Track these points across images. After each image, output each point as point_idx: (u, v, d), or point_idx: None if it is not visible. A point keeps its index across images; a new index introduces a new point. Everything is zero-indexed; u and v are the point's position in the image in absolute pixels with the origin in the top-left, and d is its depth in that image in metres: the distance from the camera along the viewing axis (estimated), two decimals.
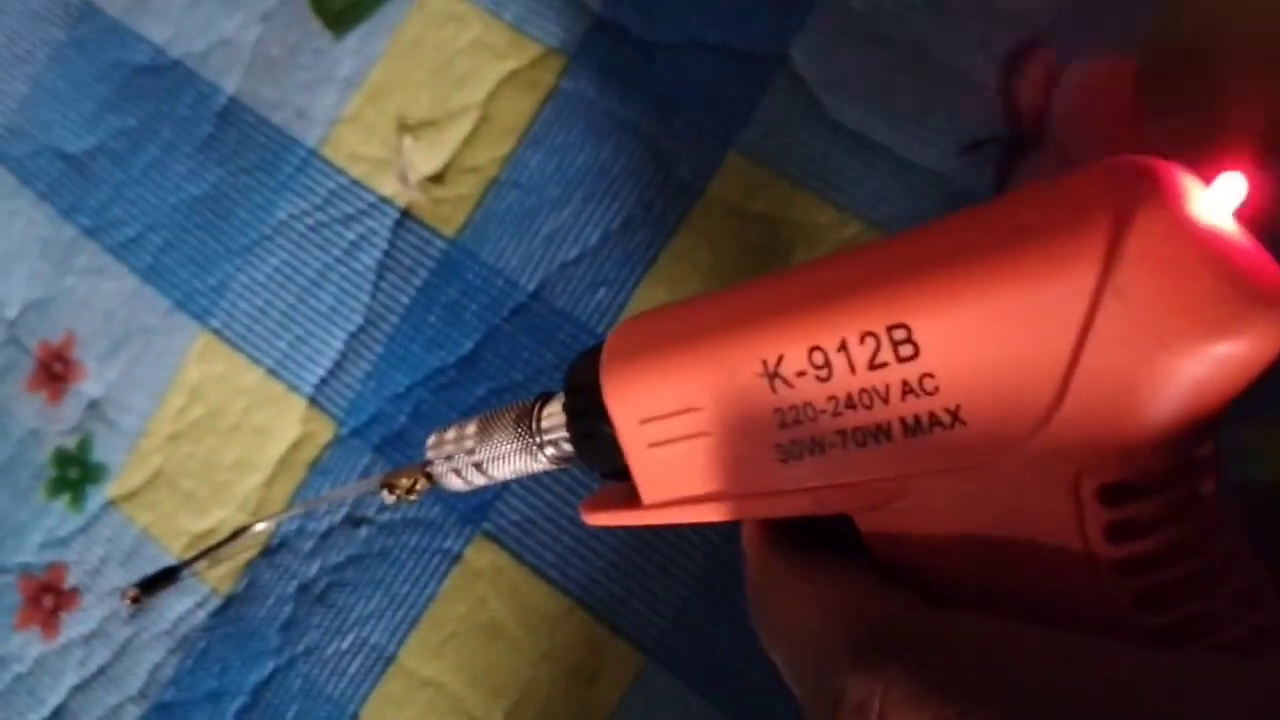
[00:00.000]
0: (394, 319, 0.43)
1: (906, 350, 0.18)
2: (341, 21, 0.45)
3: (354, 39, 0.45)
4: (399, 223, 0.43)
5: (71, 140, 0.49)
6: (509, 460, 0.26)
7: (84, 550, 0.46)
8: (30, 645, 0.46)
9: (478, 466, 0.27)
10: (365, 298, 0.44)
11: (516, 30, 0.43)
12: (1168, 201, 0.17)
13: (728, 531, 0.38)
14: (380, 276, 0.43)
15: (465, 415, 0.30)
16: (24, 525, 0.47)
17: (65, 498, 0.46)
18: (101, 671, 0.45)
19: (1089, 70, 0.37)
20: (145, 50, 0.49)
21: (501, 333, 0.42)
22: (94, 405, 0.47)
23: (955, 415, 0.18)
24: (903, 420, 0.18)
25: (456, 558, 0.41)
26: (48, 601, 0.46)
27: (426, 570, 0.41)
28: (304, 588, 0.43)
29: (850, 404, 0.19)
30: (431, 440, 0.28)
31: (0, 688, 0.46)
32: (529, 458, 0.26)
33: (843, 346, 0.19)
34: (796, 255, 0.39)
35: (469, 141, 0.43)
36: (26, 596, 0.47)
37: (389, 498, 0.29)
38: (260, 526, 0.33)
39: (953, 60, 0.38)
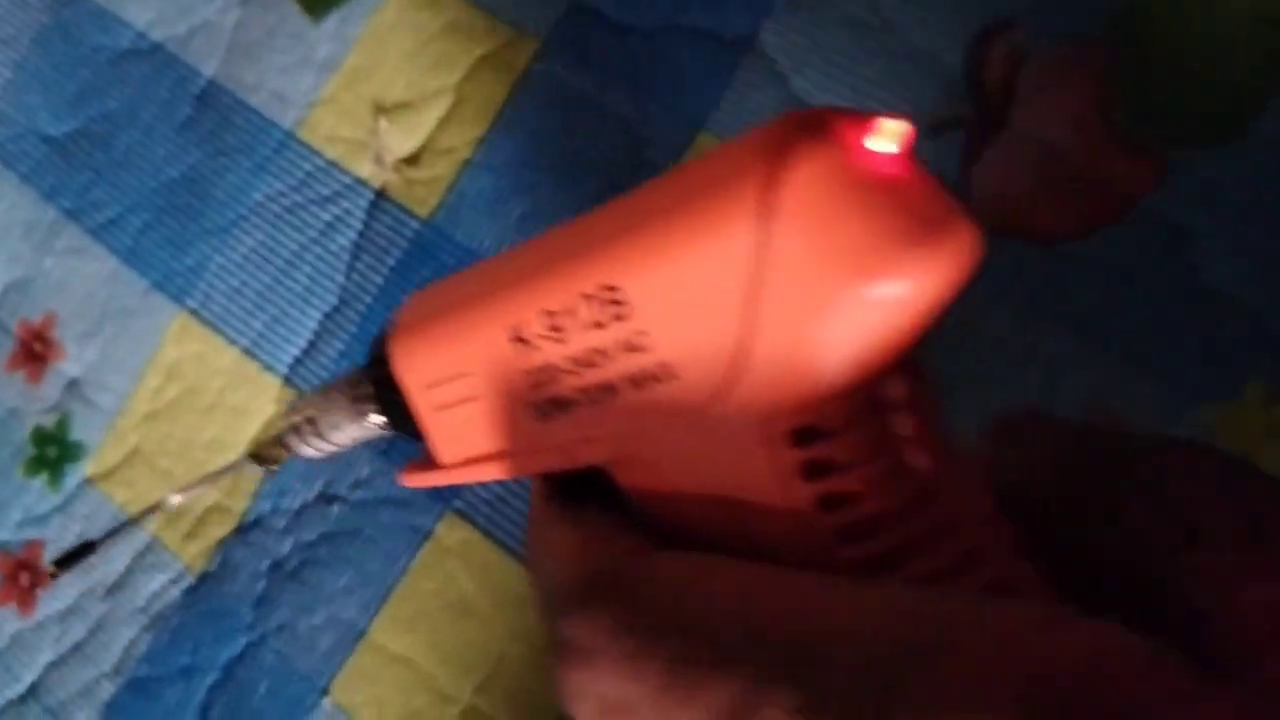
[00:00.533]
0: (368, 299, 0.43)
1: (621, 310, 0.19)
2: (319, 6, 0.46)
3: (331, 23, 0.45)
4: (374, 204, 0.44)
5: (54, 123, 0.49)
6: (343, 428, 0.27)
7: (61, 528, 0.46)
8: (7, 622, 0.47)
9: (319, 434, 0.27)
10: (340, 278, 0.44)
11: (491, 14, 0.43)
12: (818, 151, 0.17)
13: None
14: (355, 257, 0.44)
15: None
16: (2, 503, 0.47)
17: (44, 476, 0.47)
18: (77, 648, 0.45)
19: (1055, 54, 0.37)
20: (127, 34, 0.49)
21: None
22: (73, 385, 0.47)
23: (669, 370, 0.19)
24: (627, 376, 0.19)
25: (427, 535, 0.41)
26: (24, 579, 0.46)
27: (398, 547, 0.42)
28: (277, 565, 0.43)
29: (583, 363, 0.20)
30: (285, 408, 0.29)
31: None
32: (360, 423, 0.26)
33: (569, 309, 0.19)
34: None
35: (444, 124, 0.44)
36: (3, 574, 0.47)
37: (257, 470, 0.30)
38: (175, 500, 0.33)
39: (921, 42, 0.38)
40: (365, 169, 0.44)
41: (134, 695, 0.44)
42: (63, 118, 0.49)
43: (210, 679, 0.43)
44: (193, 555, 0.44)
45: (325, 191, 0.45)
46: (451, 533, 0.41)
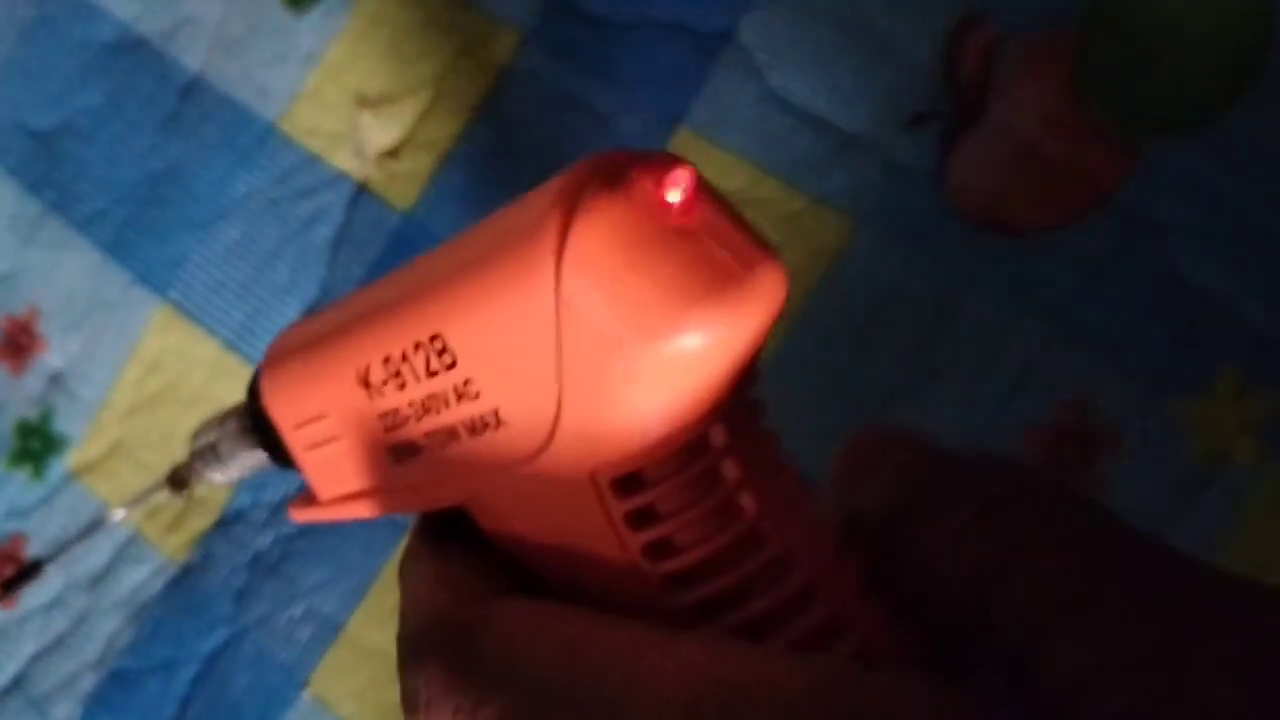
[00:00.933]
0: (349, 292, 0.44)
1: (448, 359, 0.19)
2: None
3: (314, 16, 0.46)
4: (355, 197, 0.44)
5: (39, 117, 0.50)
6: (238, 457, 0.26)
7: (44, 520, 0.46)
8: None
9: (220, 461, 0.27)
10: (321, 271, 0.44)
11: (471, 8, 0.44)
12: (606, 202, 0.17)
13: None
14: (337, 250, 0.44)
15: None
16: None
17: (28, 468, 0.47)
18: (60, 640, 0.46)
19: (1028, 46, 0.37)
20: (111, 28, 0.49)
21: None
22: (56, 377, 0.47)
23: (499, 418, 0.18)
24: (464, 423, 0.19)
25: (405, 528, 0.41)
26: (8, 571, 0.47)
27: (376, 541, 0.42)
28: (257, 557, 0.43)
29: (424, 409, 0.20)
30: (194, 432, 0.29)
31: None
32: (251, 454, 0.26)
33: (405, 356, 0.19)
34: None
35: (424, 117, 0.44)
36: None
37: (176, 497, 0.31)
38: (118, 516, 0.34)
39: (897, 36, 0.38)
40: (346, 162, 0.44)
41: (116, 687, 0.45)
42: (47, 111, 0.50)
43: (191, 671, 0.43)
44: (174, 547, 0.44)
45: (306, 184, 0.45)
46: None
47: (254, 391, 0.24)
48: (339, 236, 0.44)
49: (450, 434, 0.19)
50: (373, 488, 0.22)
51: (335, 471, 0.22)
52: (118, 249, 0.47)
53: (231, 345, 0.45)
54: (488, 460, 0.19)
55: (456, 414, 0.19)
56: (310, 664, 0.42)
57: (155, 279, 0.46)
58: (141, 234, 0.47)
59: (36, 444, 0.47)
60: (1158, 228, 0.35)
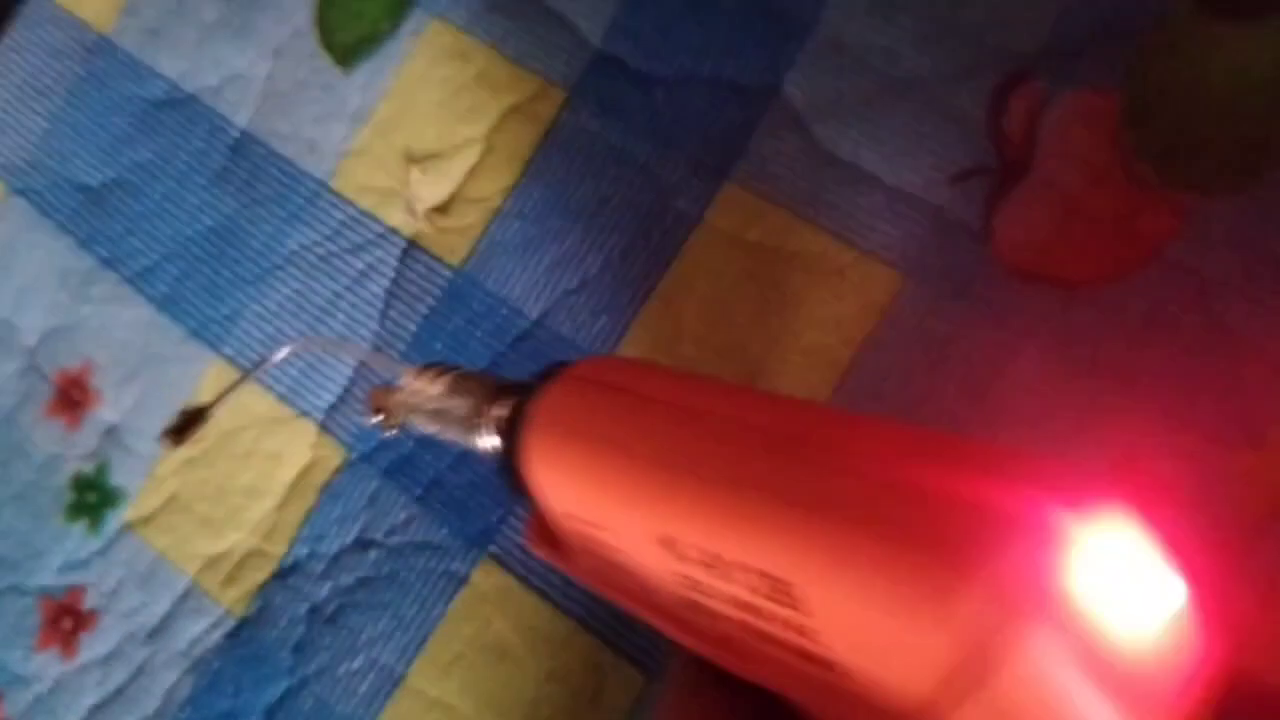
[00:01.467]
0: (401, 346, 0.44)
1: (795, 602, 0.17)
2: (350, 57, 0.47)
3: (362, 74, 0.46)
4: (406, 252, 0.45)
5: (90, 173, 0.50)
6: (457, 431, 0.27)
7: (102, 573, 0.47)
8: (50, 666, 0.47)
9: (431, 419, 0.27)
10: (374, 325, 0.45)
11: (518, 65, 0.44)
12: (1033, 640, 0.14)
13: None
14: (388, 305, 0.45)
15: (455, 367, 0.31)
16: (44, 549, 0.48)
17: (84, 521, 0.48)
18: (119, 692, 0.46)
19: (1074, 102, 0.38)
20: (160, 85, 0.50)
21: (506, 359, 0.43)
22: (111, 431, 0.48)
23: (839, 668, 0.17)
24: (789, 645, 0.17)
25: (463, 580, 0.42)
26: (67, 623, 0.47)
27: (434, 592, 0.42)
28: (315, 609, 0.44)
29: (740, 607, 0.18)
30: (408, 375, 0.29)
31: (21, 707, 0.48)
32: (474, 438, 0.26)
33: (738, 565, 0.17)
34: (792, 282, 0.40)
35: (474, 173, 0.44)
36: (46, 618, 0.48)
37: (372, 418, 0.31)
38: (283, 352, 0.35)
39: (942, 92, 0.39)
40: (397, 218, 0.45)
41: None
42: (98, 167, 0.50)
43: None
44: (232, 600, 0.45)
45: (358, 240, 0.45)
46: (487, 578, 0.42)
47: (513, 426, 0.23)
48: (391, 291, 0.45)
49: (765, 637, 0.18)
50: (646, 608, 0.20)
51: (599, 563, 0.21)
52: (171, 304, 0.48)
53: (286, 399, 0.45)
54: (806, 680, 0.17)
55: (782, 635, 0.17)
56: (371, 716, 0.42)
57: (209, 334, 0.47)
58: (195, 289, 0.47)
59: (93, 497, 0.48)
60: (1207, 280, 0.36)
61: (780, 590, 0.17)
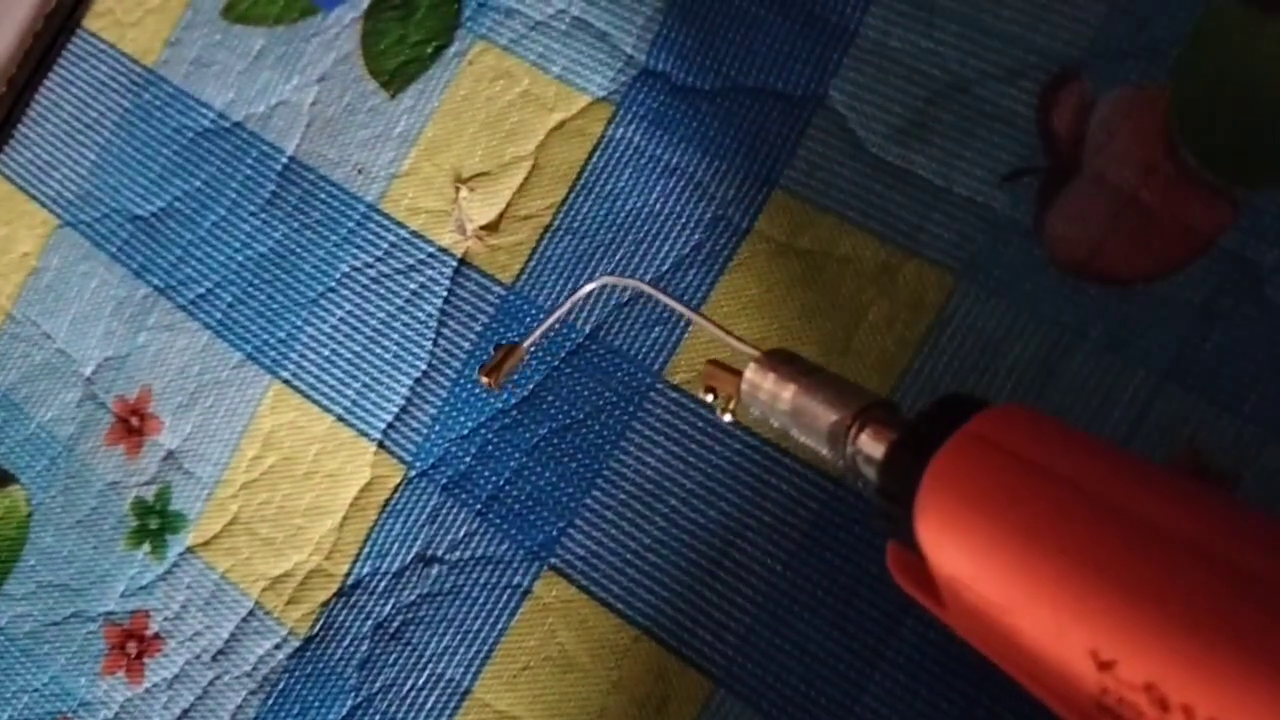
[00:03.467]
0: (456, 364, 0.45)
1: None
2: (395, 81, 0.47)
3: (408, 97, 0.47)
4: (458, 271, 0.45)
5: (140, 203, 0.51)
6: (814, 439, 0.27)
7: (166, 597, 0.48)
8: (116, 691, 0.48)
9: (777, 415, 0.28)
10: (428, 344, 0.45)
11: (563, 82, 0.45)
12: None
13: (788, 560, 0.39)
14: (442, 324, 0.45)
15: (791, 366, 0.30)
16: (107, 575, 0.49)
17: (146, 547, 0.48)
18: (185, 714, 0.47)
19: (1121, 99, 0.38)
20: (207, 114, 0.51)
21: (561, 373, 0.43)
22: (171, 456, 0.49)
23: None
24: None
25: (526, 592, 0.42)
26: (132, 648, 0.48)
27: (497, 605, 0.43)
28: (379, 626, 0.44)
29: None
30: (751, 372, 0.29)
31: None
32: (832, 454, 0.26)
33: (1188, 710, 0.16)
34: (843, 287, 0.40)
35: (522, 191, 0.45)
36: (111, 644, 0.48)
37: (707, 396, 0.32)
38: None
39: (989, 93, 0.39)
40: (447, 238, 0.46)
41: None
42: (149, 197, 0.51)
43: None
44: (296, 619, 0.45)
45: (409, 261, 0.46)
46: (549, 589, 0.42)
47: (898, 472, 0.22)
48: (444, 310, 0.45)
49: None
50: (1032, 682, 0.19)
51: (982, 629, 0.20)
52: (227, 329, 0.48)
53: (343, 420, 0.46)
54: None
55: None
56: None
57: (266, 358, 0.48)
58: (250, 314, 0.48)
59: (154, 523, 0.48)
60: (1261, 271, 0.36)
61: None
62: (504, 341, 0.39)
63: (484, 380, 0.38)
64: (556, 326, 0.43)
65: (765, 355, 0.30)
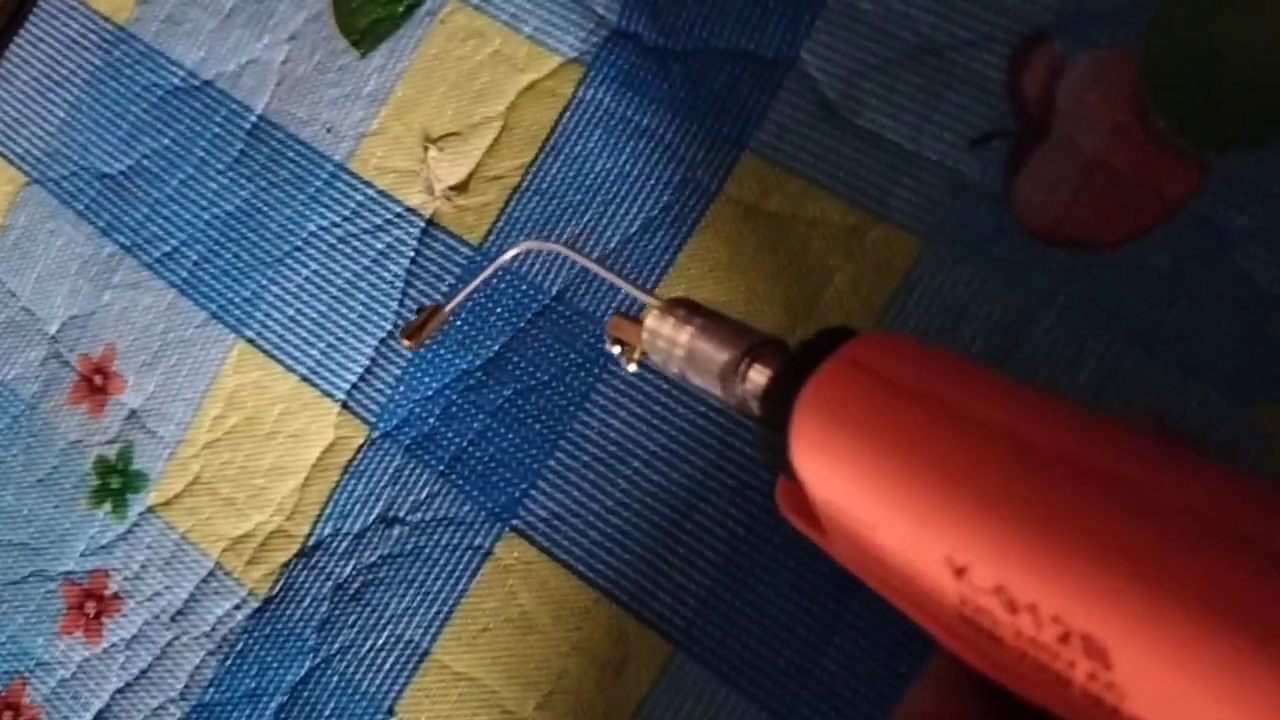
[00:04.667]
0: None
1: (1098, 657, 0.16)
2: (367, 40, 0.47)
3: (379, 56, 0.47)
4: (425, 231, 0.45)
5: (109, 161, 0.51)
6: (708, 381, 0.27)
7: (126, 557, 0.47)
8: (74, 650, 0.47)
9: (675, 361, 0.28)
10: (394, 305, 0.45)
11: (535, 42, 0.44)
12: None
13: (749, 524, 0.39)
14: (408, 284, 0.45)
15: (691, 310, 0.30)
16: (67, 534, 0.48)
17: (107, 506, 0.48)
18: (143, 674, 0.46)
19: (1092, 62, 0.38)
20: (178, 72, 0.50)
21: (526, 335, 0.43)
22: (133, 415, 0.48)
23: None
24: (1081, 688, 0.17)
25: (487, 554, 0.42)
26: (90, 607, 0.47)
27: (458, 567, 0.42)
28: (339, 587, 0.44)
29: (1034, 643, 0.17)
30: (652, 319, 0.29)
31: (46, 692, 0.48)
32: (724, 393, 0.26)
33: (1033, 609, 0.17)
34: (811, 250, 0.40)
35: (491, 151, 0.45)
36: (70, 603, 0.48)
37: (614, 348, 0.32)
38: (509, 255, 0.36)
39: (959, 56, 0.39)
40: (416, 198, 0.45)
41: None
42: (117, 155, 0.51)
43: (276, 702, 0.44)
44: (256, 580, 0.45)
45: (377, 221, 0.46)
46: (510, 551, 0.42)
47: (776, 396, 0.22)
48: (411, 271, 0.45)
49: (1057, 678, 0.17)
50: (906, 603, 0.20)
51: (857, 553, 0.20)
52: (192, 288, 0.48)
53: (308, 379, 0.46)
54: (1090, 715, 0.16)
55: (1072, 675, 0.16)
56: (397, 691, 0.42)
57: (230, 316, 0.47)
58: (215, 273, 0.48)
59: (116, 482, 0.48)
60: (1229, 236, 0.36)
61: (1091, 647, 0.16)
62: (427, 304, 0.39)
63: (405, 343, 0.38)
64: (493, 282, 0.43)
65: (665, 303, 0.30)
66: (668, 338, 0.29)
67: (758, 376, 0.26)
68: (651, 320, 0.30)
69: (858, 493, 0.20)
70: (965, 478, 0.18)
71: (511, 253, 0.38)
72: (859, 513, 0.20)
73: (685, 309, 0.30)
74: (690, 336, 0.28)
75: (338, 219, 0.46)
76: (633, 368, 0.33)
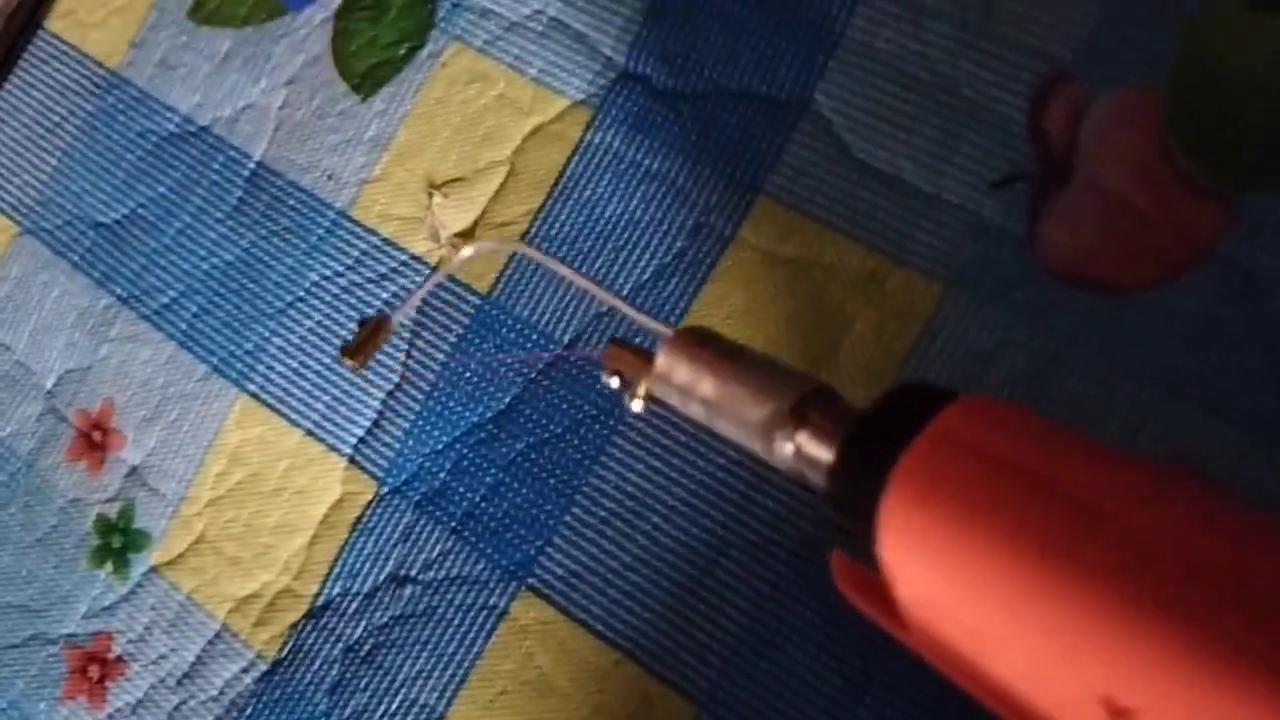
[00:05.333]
0: (430, 376, 0.43)
1: None
2: (367, 84, 0.46)
3: (380, 100, 0.46)
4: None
5: (103, 210, 0.50)
6: (741, 434, 0.23)
7: (129, 619, 0.46)
8: (77, 716, 0.46)
9: (693, 402, 0.24)
10: (400, 356, 0.44)
11: (540, 85, 0.43)
12: None
13: (774, 580, 0.38)
14: (415, 335, 0.44)
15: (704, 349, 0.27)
16: (69, 595, 0.47)
17: (109, 566, 0.47)
18: None
19: (1116, 102, 0.37)
20: (173, 118, 0.49)
21: (538, 386, 0.42)
22: (134, 472, 0.47)
23: None
24: None
25: (502, 614, 0.41)
26: (94, 671, 0.46)
27: (473, 628, 0.41)
28: (350, 649, 0.43)
29: None
30: (662, 363, 0.25)
31: None
32: (764, 449, 0.23)
33: None
34: (829, 296, 0.39)
35: (498, 197, 0.43)
36: (73, 667, 0.47)
37: (612, 381, 0.28)
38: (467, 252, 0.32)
39: (979, 96, 0.38)
40: (421, 246, 0.44)
41: None
42: (112, 204, 0.50)
43: None
44: (264, 642, 0.44)
45: (382, 270, 0.45)
46: (527, 611, 0.41)
47: (856, 482, 0.19)
48: (417, 321, 0.44)
49: None
50: (999, 705, 0.17)
51: (945, 651, 0.18)
52: (192, 340, 0.47)
53: (313, 434, 0.44)
54: None
55: None
56: None
57: (232, 370, 0.46)
58: (216, 325, 0.47)
59: (117, 541, 0.47)
60: (1257, 280, 0.35)
61: None
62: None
63: (348, 363, 0.34)
64: (532, 336, 0.42)
65: (679, 334, 0.27)
66: (686, 379, 0.25)
67: (816, 442, 0.23)
68: (665, 357, 0.26)
69: (972, 603, 0.18)
70: (1125, 599, 0.16)
71: (465, 252, 0.35)
72: (971, 622, 0.18)
73: (703, 342, 0.27)
74: (715, 383, 0.25)
75: (341, 268, 0.45)
76: (638, 406, 0.28)
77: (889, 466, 0.19)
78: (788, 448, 0.23)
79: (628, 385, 0.29)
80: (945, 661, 0.20)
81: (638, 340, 0.38)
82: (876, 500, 0.19)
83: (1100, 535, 0.17)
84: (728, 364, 0.25)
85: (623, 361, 0.28)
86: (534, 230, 0.43)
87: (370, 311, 0.44)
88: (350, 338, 0.36)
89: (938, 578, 0.18)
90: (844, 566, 0.22)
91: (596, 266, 0.42)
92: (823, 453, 0.23)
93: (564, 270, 0.30)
